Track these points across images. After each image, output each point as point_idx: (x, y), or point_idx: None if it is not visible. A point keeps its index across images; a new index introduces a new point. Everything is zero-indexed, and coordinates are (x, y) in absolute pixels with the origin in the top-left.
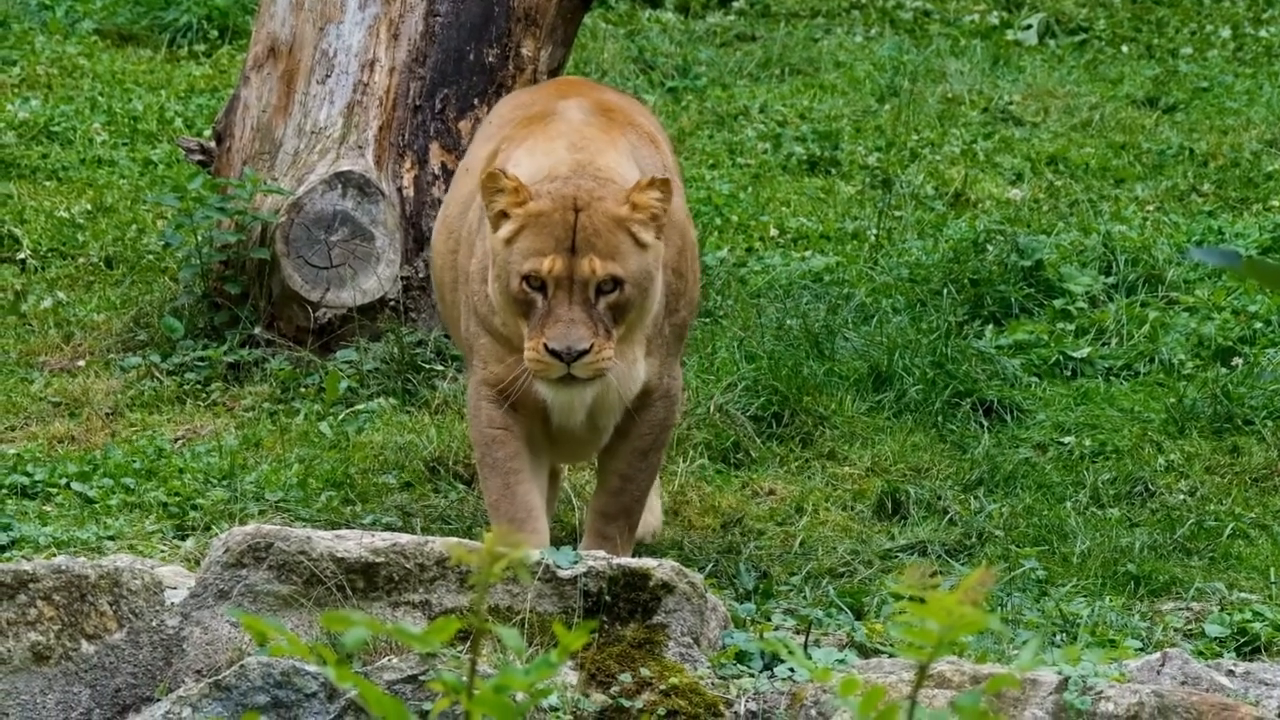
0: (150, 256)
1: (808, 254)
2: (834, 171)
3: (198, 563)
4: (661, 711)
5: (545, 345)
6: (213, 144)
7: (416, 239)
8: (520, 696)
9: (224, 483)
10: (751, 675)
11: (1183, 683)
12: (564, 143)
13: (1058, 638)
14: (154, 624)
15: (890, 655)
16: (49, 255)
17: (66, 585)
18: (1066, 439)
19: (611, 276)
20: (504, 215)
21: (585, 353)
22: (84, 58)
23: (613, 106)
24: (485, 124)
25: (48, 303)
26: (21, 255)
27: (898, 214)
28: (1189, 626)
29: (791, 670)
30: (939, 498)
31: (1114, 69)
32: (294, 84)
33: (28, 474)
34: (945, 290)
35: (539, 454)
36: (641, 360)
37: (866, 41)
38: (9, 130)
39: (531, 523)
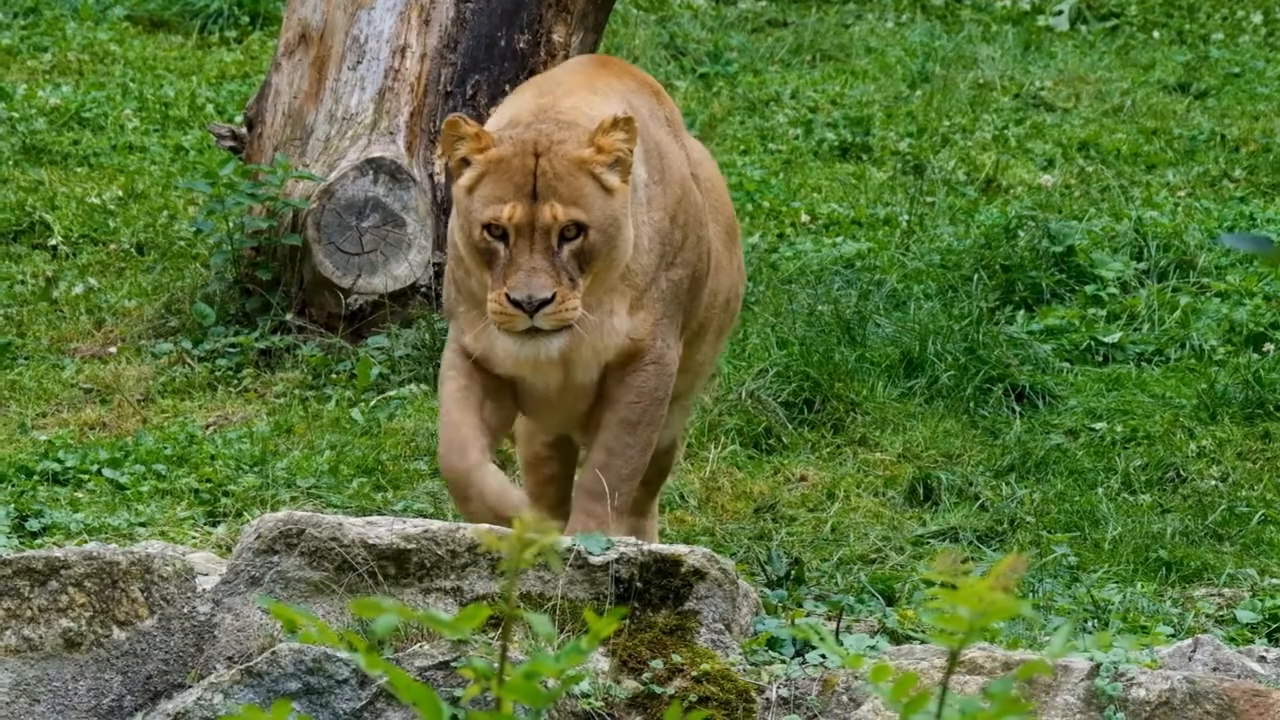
0: (181, 243)
1: (839, 240)
2: (865, 157)
3: (229, 549)
4: (693, 698)
5: (506, 295)
6: (244, 130)
7: (448, 225)
8: (551, 683)
9: (255, 469)
10: (783, 662)
11: (1214, 669)
12: (533, 90)
13: (1089, 624)
14: (185, 610)
15: (922, 642)
16: (80, 242)
17: (98, 572)
18: (1098, 425)
19: (574, 222)
20: (465, 162)
21: (548, 301)
22: (115, 44)
23: (611, 60)
24: None
25: (79, 289)
26: (53, 241)
27: (929, 200)
28: (1220, 612)
29: (823, 657)
30: (970, 484)
31: (1145, 54)
32: (325, 70)
33: (59, 460)
34: (977, 276)
35: (502, 400)
36: (622, 313)
37: (898, 27)
38: (40, 116)
39: (459, 442)
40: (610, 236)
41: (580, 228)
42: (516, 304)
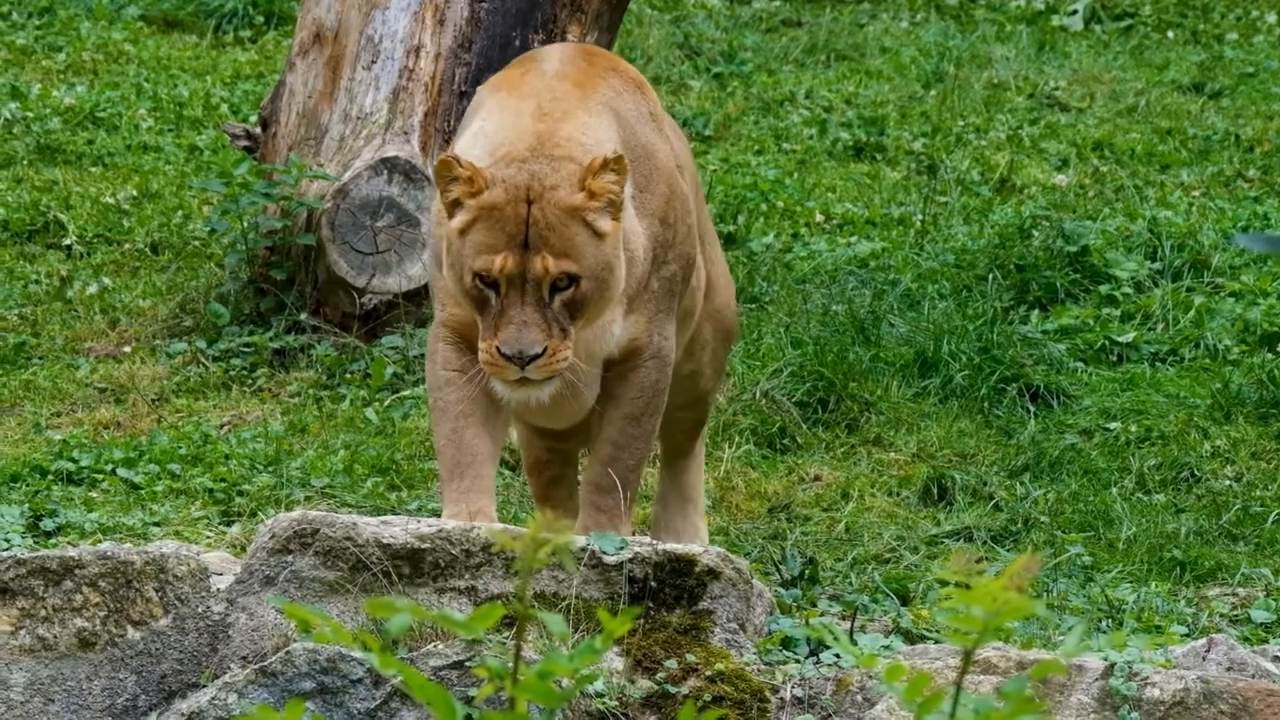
0: (196, 242)
1: (853, 239)
2: (879, 157)
3: (243, 549)
4: (707, 697)
5: (498, 348)
6: (258, 130)
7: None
8: (565, 682)
9: (270, 469)
10: (797, 661)
11: (1228, 669)
12: (531, 106)
13: (1103, 624)
14: (200, 610)
15: (936, 641)
16: (95, 241)
17: (112, 571)
18: (1112, 425)
19: (566, 274)
20: (458, 204)
21: (539, 356)
22: (129, 44)
23: (596, 51)
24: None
25: (93, 289)
26: (67, 241)
27: (943, 199)
28: (1234, 612)
29: (837, 656)
30: (985, 483)
31: (1159, 54)
32: (339, 70)
33: (73, 460)
34: (991, 276)
35: (496, 403)
36: (619, 320)
37: (912, 27)
38: (55, 116)
39: (475, 468)
40: (603, 281)
41: (572, 279)
42: (508, 358)
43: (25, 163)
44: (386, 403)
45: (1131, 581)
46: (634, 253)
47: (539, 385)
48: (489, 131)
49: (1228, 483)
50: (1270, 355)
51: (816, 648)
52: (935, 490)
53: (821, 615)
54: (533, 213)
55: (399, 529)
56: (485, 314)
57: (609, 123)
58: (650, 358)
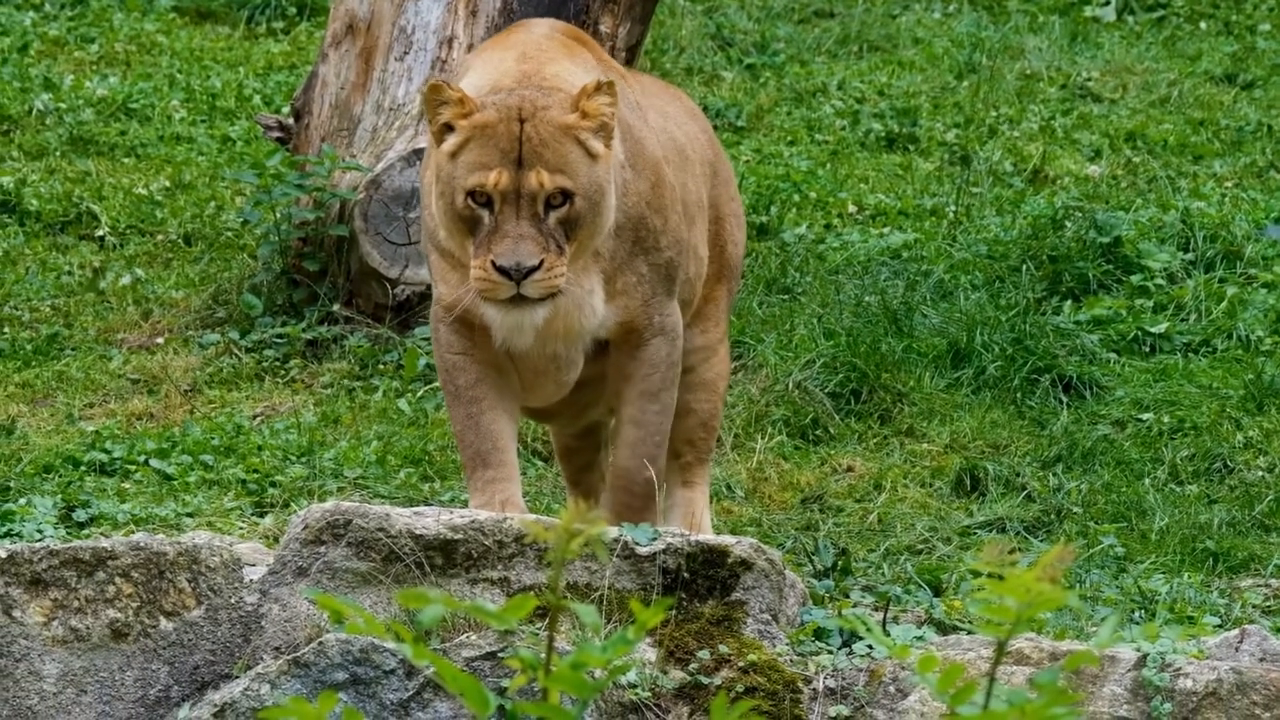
0: (229, 233)
1: (886, 230)
2: (912, 148)
3: (276, 540)
4: (740, 688)
5: (493, 262)
6: (291, 121)
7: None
8: (598, 673)
9: (302, 460)
10: (830, 652)
11: (1261, 659)
12: (515, 53)
13: (1136, 615)
14: (232, 601)
15: (969, 632)
16: (127, 232)
17: (145, 562)
18: (1145, 415)
19: (561, 189)
20: (448, 128)
21: (535, 269)
22: (162, 35)
23: (584, 35)
24: None
25: (126, 280)
26: (100, 232)
27: (976, 190)
28: (1267, 603)
29: (870, 647)
30: (1017, 474)
31: (1192, 45)
32: (372, 61)
33: (106, 451)
34: (1024, 267)
35: (506, 379)
36: (599, 291)
37: (945, 18)
38: (88, 107)
39: (497, 455)
40: (595, 203)
41: (566, 195)
42: (503, 271)
43: (58, 154)
44: (419, 393)
45: (1164, 572)
46: (620, 218)
47: (533, 306)
48: (475, 81)
49: (1260, 473)
50: None
51: (849, 639)
52: (968, 481)
53: (854, 606)
54: (526, 130)
55: (431, 520)
56: (477, 234)
57: (596, 73)
58: (655, 335)
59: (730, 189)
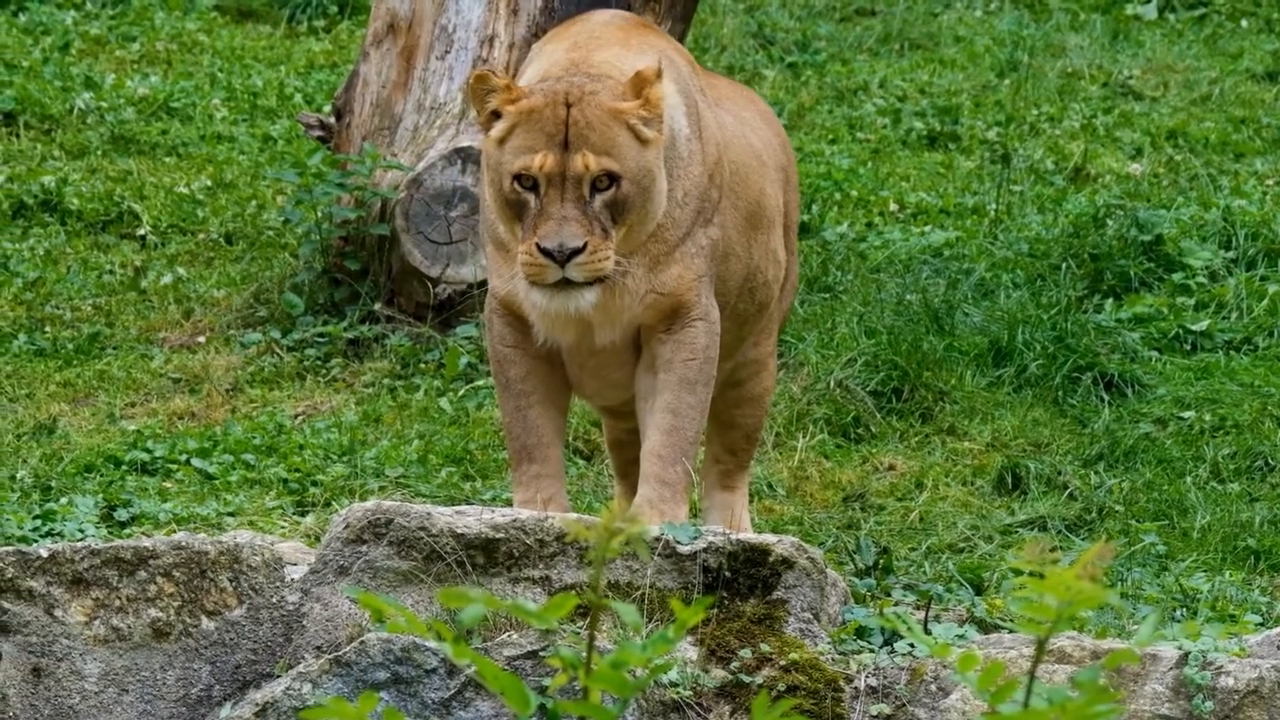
0: (270, 232)
1: (927, 229)
2: (954, 146)
3: (318, 539)
4: (781, 687)
5: (537, 244)
6: (332, 120)
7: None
8: (639, 672)
9: (344, 459)
10: (871, 651)
11: None
12: (567, 43)
13: (1177, 613)
14: (274, 600)
15: (1010, 631)
16: (169, 231)
17: (186, 562)
18: (1186, 413)
19: (606, 172)
20: (495, 115)
21: (579, 251)
22: (203, 34)
23: (650, 25)
24: None
25: (168, 279)
26: (141, 231)
27: (1017, 189)
28: None
29: (911, 646)
30: (1059, 473)
31: (1234, 43)
32: (413, 60)
33: (148, 450)
34: (1065, 265)
35: (557, 374)
36: (654, 267)
37: (986, 16)
38: (129, 106)
39: (542, 450)
40: (644, 188)
41: (613, 178)
42: (547, 253)
43: (99, 153)
44: (461, 392)
45: (1206, 570)
46: (676, 192)
47: (580, 291)
48: (531, 73)
49: None
50: None
51: (890, 637)
52: (1009, 479)
53: (895, 605)
54: (572, 114)
55: (473, 519)
56: (524, 219)
57: (651, 59)
58: (698, 318)
59: (798, 196)
